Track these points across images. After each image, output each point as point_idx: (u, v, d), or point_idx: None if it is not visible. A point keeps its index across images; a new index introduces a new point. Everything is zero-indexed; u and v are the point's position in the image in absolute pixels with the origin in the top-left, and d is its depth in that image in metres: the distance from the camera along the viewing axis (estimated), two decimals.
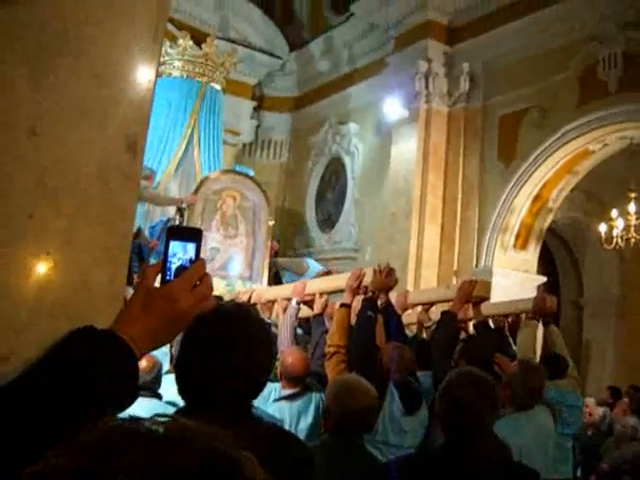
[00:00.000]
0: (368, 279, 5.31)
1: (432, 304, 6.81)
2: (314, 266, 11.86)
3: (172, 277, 1.37)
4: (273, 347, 1.89)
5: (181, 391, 1.83)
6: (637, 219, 11.49)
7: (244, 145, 15.17)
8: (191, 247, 1.40)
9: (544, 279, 11.46)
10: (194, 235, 1.42)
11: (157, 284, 1.38)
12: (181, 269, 1.37)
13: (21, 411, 1.14)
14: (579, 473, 8.53)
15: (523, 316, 6.60)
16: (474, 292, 5.82)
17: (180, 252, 1.39)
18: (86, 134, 1.32)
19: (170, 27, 12.35)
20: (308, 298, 6.11)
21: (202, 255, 1.42)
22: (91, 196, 1.31)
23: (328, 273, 11.36)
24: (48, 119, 1.28)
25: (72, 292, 1.30)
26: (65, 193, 1.28)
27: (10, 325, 1.23)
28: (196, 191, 10.48)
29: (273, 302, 6.64)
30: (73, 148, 1.30)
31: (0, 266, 1.21)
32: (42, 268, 1.26)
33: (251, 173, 11.62)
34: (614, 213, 11.56)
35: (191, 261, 1.39)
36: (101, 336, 1.26)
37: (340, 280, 5.81)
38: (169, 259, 1.38)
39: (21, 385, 1.17)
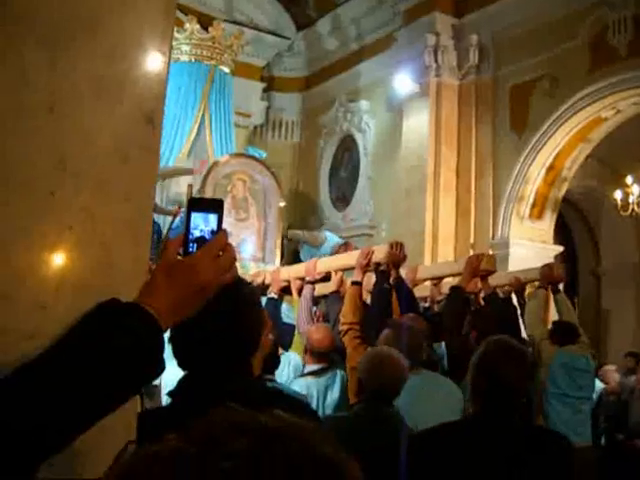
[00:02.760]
0: (377, 256, 5.39)
1: (441, 279, 6.89)
2: (331, 238, 11.86)
3: (194, 249, 1.37)
4: (256, 319, 1.93)
5: (179, 364, 1.87)
6: None
7: (255, 127, 15.14)
8: (213, 218, 1.39)
9: (561, 249, 11.42)
10: (215, 206, 1.41)
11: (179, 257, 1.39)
12: (203, 241, 1.37)
13: (47, 386, 1.14)
14: (603, 441, 8.57)
15: (535, 285, 6.67)
16: (481, 266, 5.89)
17: (202, 224, 1.38)
18: (103, 110, 1.34)
19: (176, 12, 12.33)
20: (319, 276, 6.18)
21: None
22: (111, 171, 1.32)
23: (346, 245, 11.40)
24: (65, 97, 1.29)
25: (96, 267, 1.31)
26: (85, 169, 1.30)
27: (35, 302, 1.24)
28: (206, 176, 10.48)
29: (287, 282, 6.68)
30: (91, 125, 1.32)
31: (24, 243, 1.23)
32: (65, 244, 1.27)
33: (263, 155, 11.61)
34: (629, 179, 11.50)
35: (213, 232, 1.38)
36: (126, 309, 1.26)
37: (350, 258, 5.92)
38: (191, 231, 1.38)
39: (47, 360, 1.17)
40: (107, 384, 1.19)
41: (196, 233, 1.38)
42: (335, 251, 11.38)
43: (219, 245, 1.37)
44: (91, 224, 1.30)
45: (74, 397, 1.15)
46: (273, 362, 4.20)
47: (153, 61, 1.42)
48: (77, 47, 1.31)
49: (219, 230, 1.39)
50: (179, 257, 1.38)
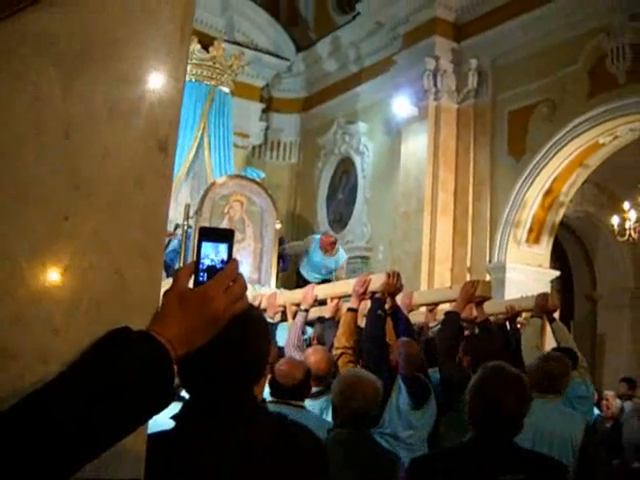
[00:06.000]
0: (374, 285, 5.43)
1: (436, 305, 6.93)
2: (315, 237, 11.89)
3: (205, 278, 1.38)
4: (265, 345, 1.94)
5: (185, 387, 1.86)
6: None
7: (253, 147, 15.18)
8: (223, 248, 1.41)
9: (557, 273, 11.46)
10: (226, 236, 1.43)
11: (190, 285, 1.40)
12: (214, 270, 1.39)
13: (56, 415, 1.14)
14: None
15: (528, 314, 6.75)
16: (476, 292, 5.93)
17: (212, 253, 1.40)
18: (118, 136, 1.35)
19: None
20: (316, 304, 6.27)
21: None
22: (125, 196, 1.33)
23: (325, 235, 11.45)
24: (80, 123, 1.30)
25: (108, 292, 1.31)
26: (99, 194, 1.31)
27: (48, 326, 1.25)
28: (204, 197, 10.48)
29: (284, 307, 6.73)
30: (105, 150, 1.32)
31: (37, 267, 1.23)
32: (78, 269, 1.28)
33: (262, 175, 11.63)
34: (626, 205, 11.55)
35: (223, 262, 1.40)
36: (137, 338, 1.27)
37: (347, 286, 6.02)
38: (201, 260, 1.40)
39: (55, 389, 1.17)
40: (116, 414, 1.19)
41: (206, 262, 1.39)
42: (321, 243, 11.44)
43: (230, 274, 1.39)
44: (105, 249, 1.30)
45: (82, 426, 1.15)
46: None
47: (167, 87, 1.44)
48: (91, 72, 1.33)
49: (229, 259, 1.40)
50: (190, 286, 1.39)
